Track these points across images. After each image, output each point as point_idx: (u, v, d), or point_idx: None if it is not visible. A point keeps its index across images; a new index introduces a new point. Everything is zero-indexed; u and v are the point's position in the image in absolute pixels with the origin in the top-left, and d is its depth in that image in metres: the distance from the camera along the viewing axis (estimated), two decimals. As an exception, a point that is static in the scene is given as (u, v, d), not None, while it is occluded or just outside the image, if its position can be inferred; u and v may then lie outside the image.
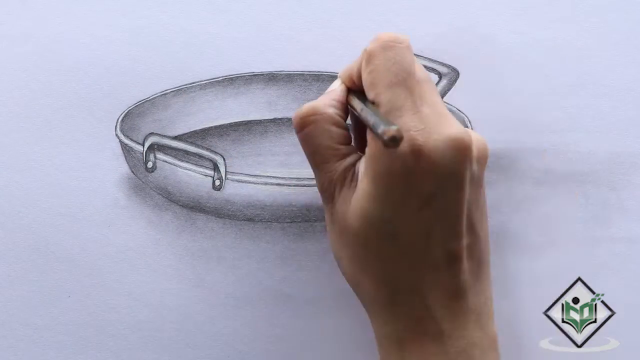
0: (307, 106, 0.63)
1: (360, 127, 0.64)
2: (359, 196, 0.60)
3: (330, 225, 0.63)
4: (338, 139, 0.63)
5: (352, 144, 0.64)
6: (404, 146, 0.57)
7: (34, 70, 0.74)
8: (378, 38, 0.61)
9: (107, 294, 0.72)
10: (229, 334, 0.72)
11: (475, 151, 0.60)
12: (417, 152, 0.58)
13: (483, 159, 0.62)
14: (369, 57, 0.61)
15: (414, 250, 0.59)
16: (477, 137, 0.61)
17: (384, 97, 0.59)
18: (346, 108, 0.64)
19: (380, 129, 0.55)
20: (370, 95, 0.60)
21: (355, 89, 0.64)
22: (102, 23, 0.75)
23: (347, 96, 0.64)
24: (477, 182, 0.61)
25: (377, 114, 0.58)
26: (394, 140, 0.54)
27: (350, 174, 0.62)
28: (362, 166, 0.61)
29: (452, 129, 0.59)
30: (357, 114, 0.62)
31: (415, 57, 0.62)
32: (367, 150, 0.60)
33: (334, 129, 0.62)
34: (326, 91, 0.66)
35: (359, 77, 0.62)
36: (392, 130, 0.54)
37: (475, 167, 0.60)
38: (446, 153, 0.58)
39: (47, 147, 0.74)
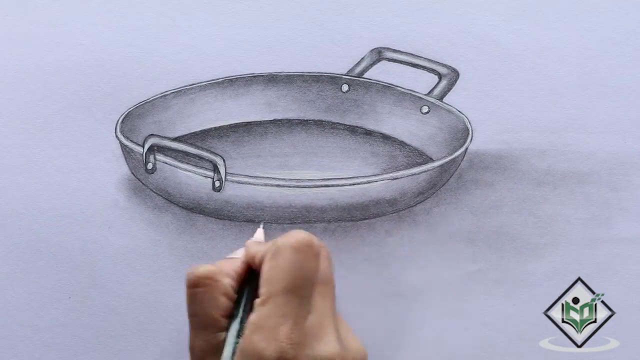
0: (205, 268, 0.62)
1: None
2: None
3: None
4: (223, 310, 0.61)
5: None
6: (272, 354, 0.57)
7: (34, 72, 0.75)
8: (291, 236, 0.61)
9: (107, 295, 0.73)
10: (229, 335, 0.72)
11: None
12: None
13: None
14: (276, 252, 0.60)
15: None
16: (355, 353, 0.61)
17: (273, 302, 0.59)
18: (241, 280, 0.63)
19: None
20: (262, 290, 0.60)
21: (254, 268, 0.63)
22: (102, 25, 0.75)
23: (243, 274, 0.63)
24: None
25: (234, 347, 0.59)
26: None
27: (222, 348, 0.61)
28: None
29: (327, 346, 0.58)
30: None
31: (321, 262, 0.61)
32: (240, 342, 0.59)
33: (223, 299, 0.61)
34: (230, 255, 0.65)
35: (260, 263, 0.61)
36: None
37: None
38: None
39: (47, 149, 0.74)
